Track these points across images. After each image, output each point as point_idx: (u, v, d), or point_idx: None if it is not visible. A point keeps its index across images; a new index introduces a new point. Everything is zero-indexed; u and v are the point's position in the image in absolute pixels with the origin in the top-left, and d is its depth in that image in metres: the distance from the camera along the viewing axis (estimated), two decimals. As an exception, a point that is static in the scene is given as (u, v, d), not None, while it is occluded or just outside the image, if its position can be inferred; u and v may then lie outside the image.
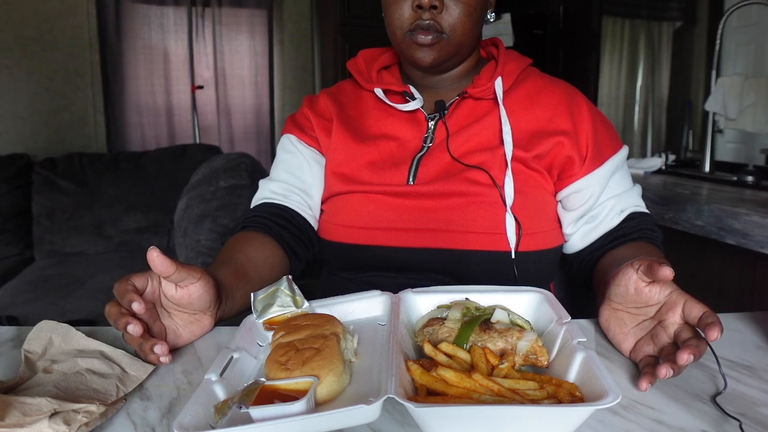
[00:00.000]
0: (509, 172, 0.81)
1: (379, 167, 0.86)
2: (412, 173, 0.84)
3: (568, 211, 0.87)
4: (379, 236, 0.82)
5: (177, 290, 0.64)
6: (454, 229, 0.80)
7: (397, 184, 0.84)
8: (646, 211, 0.87)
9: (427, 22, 0.80)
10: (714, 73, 2.11)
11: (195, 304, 0.65)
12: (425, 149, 0.86)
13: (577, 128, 0.84)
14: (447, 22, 0.81)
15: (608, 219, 0.84)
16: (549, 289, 0.93)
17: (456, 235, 0.80)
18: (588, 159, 0.84)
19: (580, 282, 0.90)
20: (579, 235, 0.87)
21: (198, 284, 0.64)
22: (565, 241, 0.90)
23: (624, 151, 0.88)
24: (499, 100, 0.85)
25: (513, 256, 0.79)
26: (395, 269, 0.83)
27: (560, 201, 0.87)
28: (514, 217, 0.79)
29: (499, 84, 0.86)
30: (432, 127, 0.87)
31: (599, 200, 0.85)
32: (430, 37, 0.81)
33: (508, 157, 0.82)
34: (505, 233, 0.79)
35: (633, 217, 0.85)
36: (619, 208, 0.85)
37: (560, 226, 0.88)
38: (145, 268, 0.63)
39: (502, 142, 0.83)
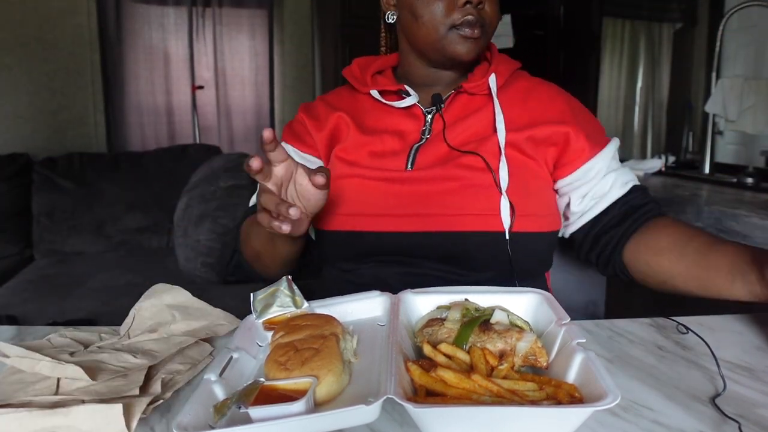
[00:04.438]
0: (503, 158, 0.84)
1: (379, 156, 0.89)
2: (410, 161, 0.87)
3: (574, 191, 0.89)
4: (378, 222, 0.84)
5: (307, 182, 0.70)
6: (450, 213, 0.82)
7: (396, 170, 0.87)
8: (640, 183, 0.92)
9: (475, 17, 0.83)
10: (714, 74, 2.11)
11: (312, 201, 0.72)
12: (423, 140, 0.89)
13: (571, 118, 0.88)
14: (487, 17, 0.85)
15: (614, 190, 0.88)
16: (545, 280, 0.94)
17: (453, 218, 0.82)
18: (589, 143, 0.87)
19: (602, 261, 0.90)
20: (588, 210, 0.89)
21: (321, 192, 0.71)
22: (570, 221, 0.91)
23: (615, 139, 0.92)
24: (493, 93, 0.88)
25: (507, 237, 0.81)
26: (393, 255, 0.85)
27: (567, 185, 0.89)
28: (508, 199, 0.82)
29: (492, 80, 0.89)
30: (429, 120, 0.91)
31: (603, 179, 0.88)
32: (477, 31, 0.84)
33: (502, 144, 0.85)
34: (500, 214, 0.81)
35: (636, 190, 0.89)
36: (621, 181, 0.88)
37: (556, 212, 0.90)
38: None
39: (495, 131, 0.86)
